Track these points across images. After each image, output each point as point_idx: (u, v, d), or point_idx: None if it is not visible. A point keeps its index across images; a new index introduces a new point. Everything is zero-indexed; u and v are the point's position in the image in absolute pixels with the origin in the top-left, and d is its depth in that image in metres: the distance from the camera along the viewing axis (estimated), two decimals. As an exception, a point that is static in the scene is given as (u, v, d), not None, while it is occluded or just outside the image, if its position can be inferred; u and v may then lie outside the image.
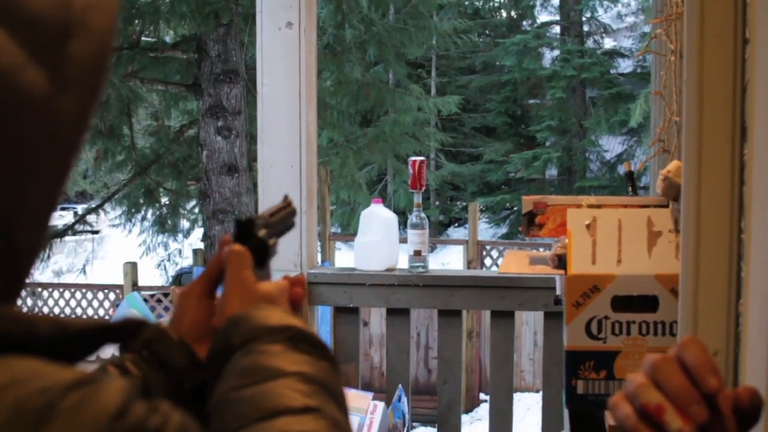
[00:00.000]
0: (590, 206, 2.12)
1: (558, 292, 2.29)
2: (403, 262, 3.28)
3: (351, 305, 3.28)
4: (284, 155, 3.18)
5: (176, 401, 0.69)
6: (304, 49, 3.15)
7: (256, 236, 1.14)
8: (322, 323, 4.25)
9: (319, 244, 7.08)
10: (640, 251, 1.88)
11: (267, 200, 3.18)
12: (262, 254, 1.14)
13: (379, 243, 3.26)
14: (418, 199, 3.27)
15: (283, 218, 1.25)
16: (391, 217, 3.31)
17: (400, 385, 3.21)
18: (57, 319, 0.67)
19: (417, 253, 3.21)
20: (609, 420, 1.77)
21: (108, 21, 0.67)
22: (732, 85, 1.30)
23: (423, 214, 3.23)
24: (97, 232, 17.22)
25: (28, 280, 0.66)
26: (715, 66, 1.32)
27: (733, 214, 1.34)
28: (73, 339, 0.67)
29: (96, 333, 0.70)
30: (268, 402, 0.82)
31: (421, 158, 3.33)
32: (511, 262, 2.93)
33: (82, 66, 0.64)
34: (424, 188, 3.28)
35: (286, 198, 1.29)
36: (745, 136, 1.30)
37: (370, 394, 3.02)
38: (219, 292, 1.10)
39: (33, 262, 0.66)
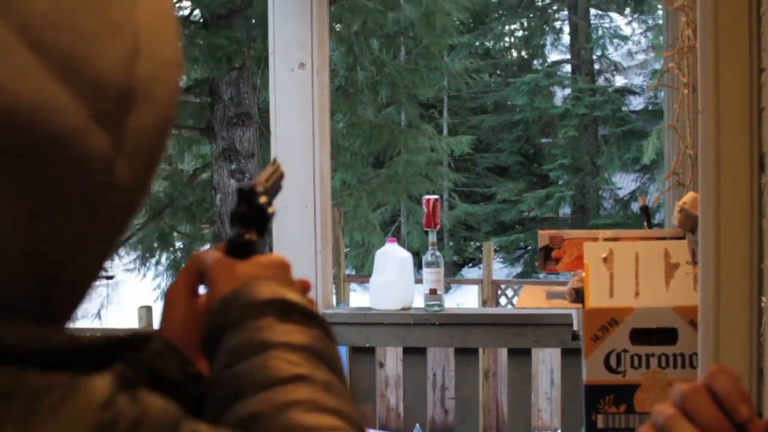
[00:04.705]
0: (607, 239, 2.11)
1: (575, 327, 2.27)
2: (418, 302, 3.27)
3: (367, 345, 3.26)
4: (298, 196, 3.18)
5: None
6: (317, 90, 3.17)
7: (258, 204, 1.14)
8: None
9: (333, 286, 7.09)
10: (658, 283, 1.86)
11: (281, 242, 3.18)
12: (263, 222, 1.13)
13: (394, 282, 3.25)
14: (432, 237, 3.26)
15: (276, 181, 1.26)
16: (405, 256, 3.31)
17: (417, 425, 3.18)
18: (71, 331, 0.67)
19: (432, 291, 3.19)
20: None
21: (170, 93, 0.67)
22: (749, 113, 1.30)
23: (438, 253, 3.22)
24: (111, 278, 17.25)
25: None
26: (731, 95, 1.32)
27: (753, 244, 1.33)
28: (85, 352, 0.66)
29: (109, 346, 0.69)
30: (257, 376, 0.82)
31: (435, 197, 3.33)
32: (527, 297, 2.92)
33: (143, 136, 0.64)
34: (438, 226, 3.27)
35: (275, 161, 1.29)
36: (763, 164, 1.30)
37: (387, 435, 3.00)
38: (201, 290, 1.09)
39: (67, 318, 0.67)
